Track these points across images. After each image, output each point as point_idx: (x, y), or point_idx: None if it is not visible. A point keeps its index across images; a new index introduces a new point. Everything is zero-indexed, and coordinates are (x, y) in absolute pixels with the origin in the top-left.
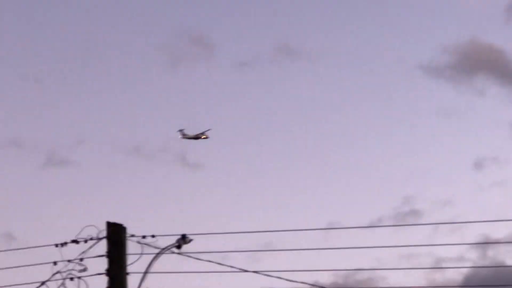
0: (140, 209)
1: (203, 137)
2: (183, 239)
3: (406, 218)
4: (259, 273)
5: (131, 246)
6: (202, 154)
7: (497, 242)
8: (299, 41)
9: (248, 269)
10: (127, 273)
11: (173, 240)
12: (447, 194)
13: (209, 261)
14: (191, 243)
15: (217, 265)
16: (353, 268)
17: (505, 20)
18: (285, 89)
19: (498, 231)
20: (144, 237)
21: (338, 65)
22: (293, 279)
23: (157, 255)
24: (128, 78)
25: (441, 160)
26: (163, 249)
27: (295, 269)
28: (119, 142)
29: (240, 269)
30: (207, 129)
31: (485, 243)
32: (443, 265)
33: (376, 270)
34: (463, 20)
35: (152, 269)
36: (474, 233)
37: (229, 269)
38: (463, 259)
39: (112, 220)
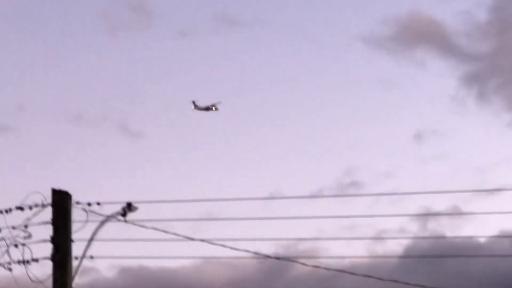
0: (85, 177)
1: (213, 108)
2: (129, 207)
3: (347, 189)
4: (204, 242)
5: (76, 213)
6: (142, 122)
7: (437, 214)
8: (239, 10)
9: (194, 237)
10: (72, 240)
11: (118, 207)
12: (389, 166)
13: (154, 228)
14: (136, 211)
15: (162, 233)
16: (295, 237)
17: None
18: (225, 58)
19: (438, 203)
20: (89, 204)
21: (278, 35)
22: (236, 248)
23: (102, 222)
24: (68, 45)
25: (382, 132)
26: (109, 216)
27: (237, 238)
28: (59, 109)
29: (185, 237)
30: (218, 101)
31: (426, 215)
32: (384, 237)
33: (317, 240)
34: None
35: (97, 236)
36: (415, 205)
37: (174, 237)
38: (404, 231)
39: (57, 187)
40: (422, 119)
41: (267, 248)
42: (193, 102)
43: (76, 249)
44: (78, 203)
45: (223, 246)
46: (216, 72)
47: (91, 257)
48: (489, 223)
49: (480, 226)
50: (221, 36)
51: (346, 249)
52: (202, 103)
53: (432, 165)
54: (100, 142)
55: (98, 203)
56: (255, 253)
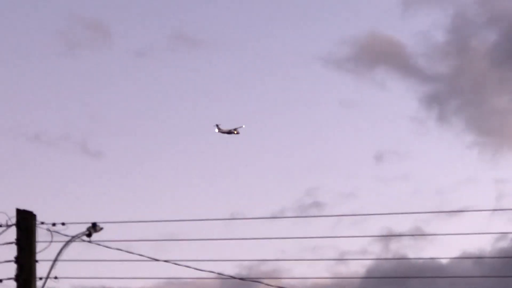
0: (49, 197)
1: (235, 132)
2: (94, 227)
3: (308, 209)
4: (169, 262)
5: (41, 234)
6: (102, 142)
7: (399, 235)
8: (196, 29)
9: (158, 258)
10: (37, 261)
11: (83, 228)
12: (350, 186)
13: (119, 249)
14: (101, 231)
15: (126, 253)
16: (258, 258)
17: (402, 13)
18: (182, 77)
19: (400, 224)
20: (54, 224)
21: (236, 54)
22: (201, 269)
23: (67, 243)
24: (26, 64)
25: (343, 153)
26: (73, 237)
27: (200, 258)
28: (19, 129)
29: (149, 258)
30: (240, 126)
31: (388, 236)
32: (347, 258)
33: (280, 261)
34: (362, 12)
35: (62, 257)
36: (377, 226)
37: (138, 257)
38: (366, 252)
39: (21, 207)
40: (383, 140)
41: (230, 269)
42: (217, 126)
43: (41, 269)
44: (42, 223)
45: (188, 267)
46: (173, 91)
47: (56, 278)
48: (451, 244)
49: (442, 247)
50: (178, 55)
51: (309, 270)
52: (225, 127)
53: (393, 186)
54: (61, 162)
55: (63, 223)
56: (220, 274)
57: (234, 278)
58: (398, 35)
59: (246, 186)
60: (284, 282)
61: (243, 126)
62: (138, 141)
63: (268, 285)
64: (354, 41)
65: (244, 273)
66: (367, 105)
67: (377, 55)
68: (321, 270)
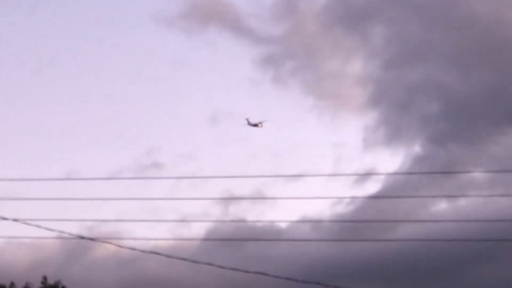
0: None
1: (259, 125)
2: None
3: (148, 170)
4: (19, 221)
5: None
6: None
7: (239, 198)
8: None
9: (7, 217)
10: None
11: None
12: (188, 147)
13: None
14: None
15: None
16: (99, 219)
17: None
18: (7, 30)
19: (240, 187)
20: None
21: (66, 11)
22: (51, 228)
23: None
24: None
25: (179, 113)
26: None
27: (40, 218)
28: None
29: None
30: (264, 120)
31: (228, 199)
32: (188, 220)
33: (121, 222)
34: None
35: None
36: (217, 188)
37: None
38: (207, 214)
39: None
40: (217, 101)
41: (71, 229)
42: (247, 119)
43: None
44: None
45: (38, 226)
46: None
47: None
48: (290, 208)
49: (281, 211)
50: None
51: (150, 232)
52: (252, 120)
53: (231, 148)
54: None
55: None
56: (70, 234)
57: (85, 238)
58: None
59: (83, 145)
60: (125, 243)
61: (267, 120)
62: None
63: (118, 245)
64: None
65: (85, 233)
66: (200, 65)
67: (208, 14)
68: (162, 232)
